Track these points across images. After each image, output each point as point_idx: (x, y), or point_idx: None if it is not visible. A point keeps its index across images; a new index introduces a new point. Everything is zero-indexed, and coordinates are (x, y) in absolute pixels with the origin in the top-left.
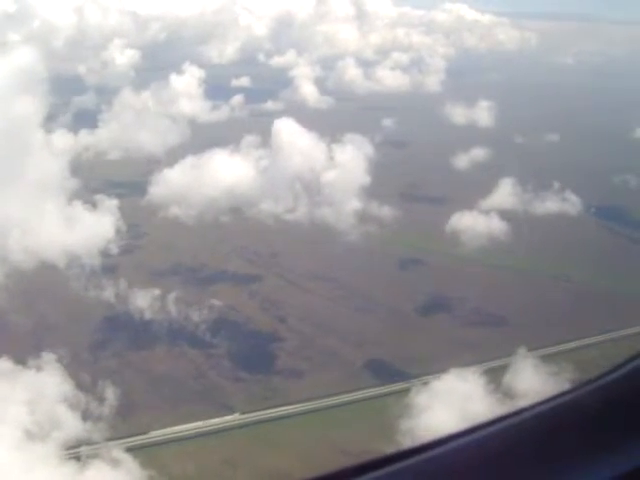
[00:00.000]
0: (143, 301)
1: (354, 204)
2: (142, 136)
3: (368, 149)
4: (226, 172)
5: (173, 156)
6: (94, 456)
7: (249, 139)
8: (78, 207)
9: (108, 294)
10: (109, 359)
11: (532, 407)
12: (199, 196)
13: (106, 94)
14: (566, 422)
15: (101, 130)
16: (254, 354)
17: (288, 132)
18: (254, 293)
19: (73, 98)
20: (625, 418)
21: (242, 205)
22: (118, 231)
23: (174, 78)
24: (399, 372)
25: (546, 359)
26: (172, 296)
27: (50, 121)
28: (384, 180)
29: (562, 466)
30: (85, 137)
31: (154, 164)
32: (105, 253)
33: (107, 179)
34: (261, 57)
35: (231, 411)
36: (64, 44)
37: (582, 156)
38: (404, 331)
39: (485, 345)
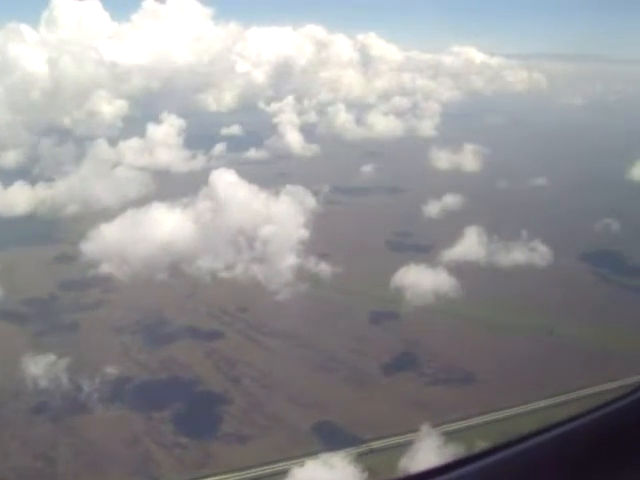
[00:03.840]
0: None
1: (292, 260)
2: (105, 188)
3: (311, 200)
4: (168, 226)
5: (127, 209)
6: None
7: (206, 191)
8: None
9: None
10: (42, 424)
11: (532, 435)
12: (135, 252)
13: (87, 145)
14: (569, 451)
15: (62, 182)
16: (197, 417)
17: (227, 183)
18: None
19: (52, 150)
20: (626, 447)
21: (191, 260)
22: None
23: (154, 128)
24: (350, 436)
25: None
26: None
27: (19, 173)
28: (338, 231)
29: None
30: (44, 190)
31: (105, 217)
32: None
33: (50, 235)
34: (261, 104)
35: None
36: (50, 96)
37: (565, 200)
38: (363, 391)
39: (439, 406)
